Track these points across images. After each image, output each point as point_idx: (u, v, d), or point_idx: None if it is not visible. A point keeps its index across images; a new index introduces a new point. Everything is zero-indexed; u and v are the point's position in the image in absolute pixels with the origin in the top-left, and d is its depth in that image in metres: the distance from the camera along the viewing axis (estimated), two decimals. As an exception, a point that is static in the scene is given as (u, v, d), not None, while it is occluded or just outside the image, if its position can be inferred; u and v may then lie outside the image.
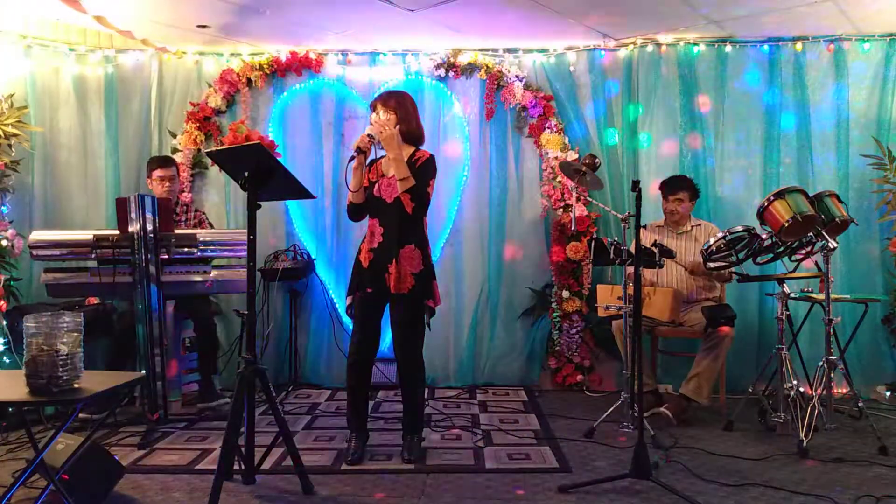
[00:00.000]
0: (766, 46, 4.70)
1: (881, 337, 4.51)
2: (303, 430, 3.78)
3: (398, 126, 3.17)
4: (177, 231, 3.77)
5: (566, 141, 4.83)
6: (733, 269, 3.87)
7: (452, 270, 4.93)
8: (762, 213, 3.46)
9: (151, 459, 3.26)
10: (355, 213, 3.30)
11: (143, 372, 3.55)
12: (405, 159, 3.16)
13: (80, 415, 3.55)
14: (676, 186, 4.22)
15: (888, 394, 4.35)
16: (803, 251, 3.55)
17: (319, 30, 4.59)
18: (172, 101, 4.96)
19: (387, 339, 4.18)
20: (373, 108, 3.28)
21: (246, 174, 2.73)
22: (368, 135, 3.11)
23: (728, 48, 4.72)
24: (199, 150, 4.87)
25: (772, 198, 3.42)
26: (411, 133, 3.24)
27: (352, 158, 3.11)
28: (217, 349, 4.30)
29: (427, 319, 3.27)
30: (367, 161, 3.23)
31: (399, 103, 3.23)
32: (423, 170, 3.18)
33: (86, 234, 3.67)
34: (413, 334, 3.24)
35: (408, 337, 3.23)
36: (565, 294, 4.75)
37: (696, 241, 4.19)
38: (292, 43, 4.88)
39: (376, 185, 3.23)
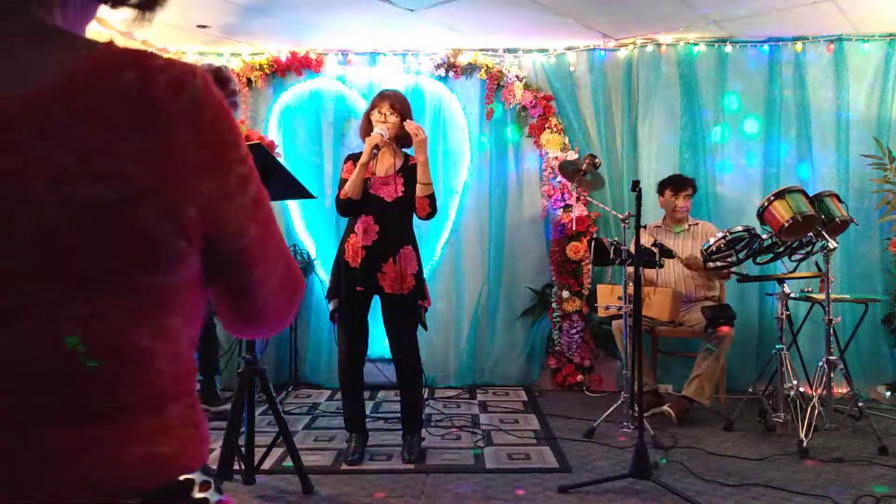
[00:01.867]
0: (766, 46, 4.70)
1: (881, 337, 4.51)
2: (303, 430, 3.78)
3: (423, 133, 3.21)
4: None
5: (566, 141, 4.83)
6: (733, 269, 3.88)
7: (452, 270, 4.93)
8: (762, 213, 3.46)
9: (151, 459, 3.26)
10: (349, 209, 3.25)
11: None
12: (401, 163, 3.23)
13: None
14: (685, 183, 4.28)
15: (888, 394, 4.35)
16: (803, 251, 3.55)
17: (319, 30, 4.59)
18: (172, 101, 4.95)
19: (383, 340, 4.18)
20: (374, 106, 3.25)
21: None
22: (380, 133, 3.12)
23: (728, 48, 4.71)
24: (199, 150, 4.87)
25: (772, 198, 3.42)
26: (407, 137, 3.25)
27: (373, 155, 3.12)
28: (217, 349, 4.31)
29: (423, 318, 3.29)
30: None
31: (403, 104, 3.25)
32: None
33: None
34: (412, 334, 3.26)
35: (406, 337, 3.25)
36: (565, 294, 4.75)
37: (693, 240, 4.20)
38: (292, 43, 4.88)
39: (369, 182, 3.21)
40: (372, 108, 3.28)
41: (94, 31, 5.01)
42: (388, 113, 3.20)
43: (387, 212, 3.18)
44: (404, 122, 3.19)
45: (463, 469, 3.12)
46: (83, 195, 0.59)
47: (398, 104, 3.23)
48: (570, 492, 2.81)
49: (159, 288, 0.64)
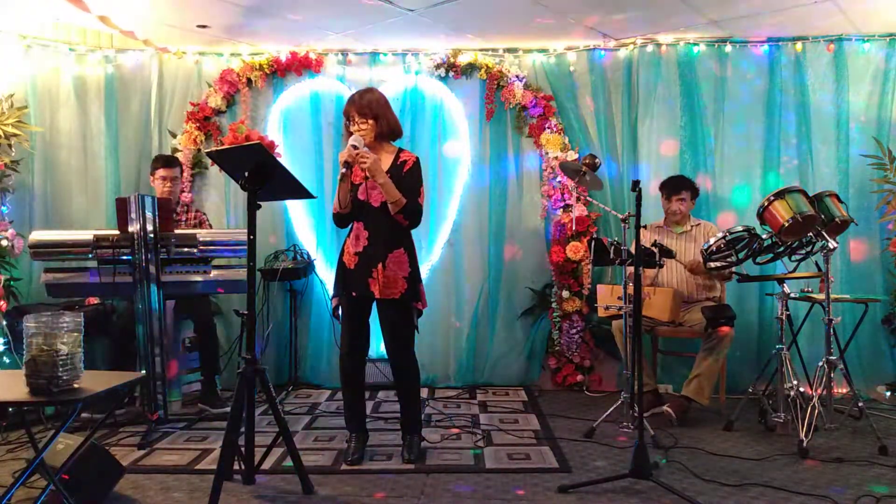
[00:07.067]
0: (766, 46, 4.70)
1: (881, 337, 4.51)
2: (303, 430, 3.78)
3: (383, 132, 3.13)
4: (177, 231, 3.77)
5: (566, 141, 4.83)
6: (734, 269, 3.87)
7: (452, 270, 4.93)
8: (762, 213, 3.46)
9: (151, 459, 3.26)
10: (342, 221, 3.21)
11: (143, 372, 3.55)
12: (391, 160, 3.14)
13: (81, 414, 3.55)
14: (679, 186, 4.23)
15: (888, 394, 4.35)
16: (803, 251, 3.55)
17: (319, 30, 4.59)
18: (172, 101, 4.96)
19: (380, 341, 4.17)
20: (346, 115, 3.14)
21: (246, 174, 2.73)
22: (352, 145, 3.01)
23: (728, 48, 4.72)
24: (199, 150, 4.87)
25: (772, 198, 3.42)
26: (391, 129, 3.17)
27: (342, 175, 3.03)
28: (217, 349, 4.30)
29: (415, 321, 3.25)
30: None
31: (371, 104, 3.11)
32: (411, 178, 3.11)
33: (86, 234, 3.67)
34: (405, 337, 3.22)
35: (400, 340, 3.22)
36: (565, 294, 4.75)
37: (695, 241, 4.19)
38: (292, 43, 4.88)
39: (361, 188, 3.14)
40: (345, 118, 3.15)
41: (97, 29, 5.06)
42: (359, 121, 3.10)
43: (375, 217, 3.12)
44: (350, 150, 3.01)
45: (463, 469, 3.12)
46: None
47: (366, 108, 3.10)
48: (570, 492, 2.81)
49: None
